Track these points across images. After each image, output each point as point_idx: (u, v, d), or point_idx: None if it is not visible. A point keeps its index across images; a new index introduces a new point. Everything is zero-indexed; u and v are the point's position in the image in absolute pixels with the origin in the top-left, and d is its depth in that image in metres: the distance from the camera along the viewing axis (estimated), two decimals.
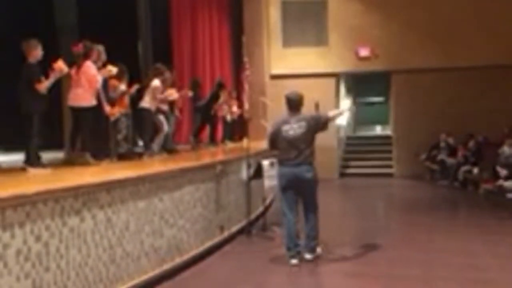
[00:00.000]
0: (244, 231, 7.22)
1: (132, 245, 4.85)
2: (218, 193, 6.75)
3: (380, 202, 11.20)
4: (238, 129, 11.88)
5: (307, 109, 6.07)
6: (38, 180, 4.78)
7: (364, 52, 14.54)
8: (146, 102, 7.59)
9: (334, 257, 6.01)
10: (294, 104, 5.84)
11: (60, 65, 5.60)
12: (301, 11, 14.79)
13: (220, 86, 10.61)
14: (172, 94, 8.23)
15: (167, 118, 8.14)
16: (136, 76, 8.57)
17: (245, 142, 7.71)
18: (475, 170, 11.41)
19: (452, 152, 12.84)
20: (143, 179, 5.09)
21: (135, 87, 7.44)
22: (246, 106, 8.19)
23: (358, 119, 21.07)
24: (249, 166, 7.39)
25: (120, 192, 4.71)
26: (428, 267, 5.55)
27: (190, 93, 9.58)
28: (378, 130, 21.48)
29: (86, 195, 4.27)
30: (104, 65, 6.60)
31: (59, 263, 3.96)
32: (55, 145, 7.84)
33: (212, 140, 10.49)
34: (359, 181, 14.21)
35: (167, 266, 5.39)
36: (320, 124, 5.85)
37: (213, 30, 13.16)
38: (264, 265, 5.82)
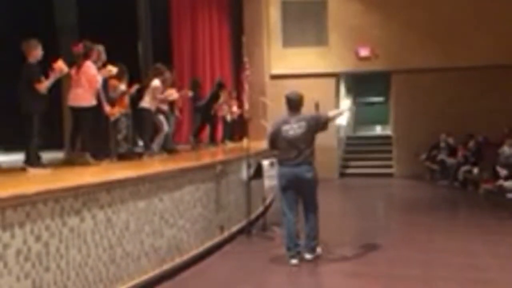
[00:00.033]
0: (244, 231, 7.21)
1: (132, 245, 4.85)
2: (218, 193, 6.75)
3: (380, 202, 11.20)
4: (238, 129, 11.88)
5: (307, 109, 6.07)
6: (38, 180, 4.78)
7: (364, 52, 14.53)
8: (146, 102, 7.59)
9: (334, 257, 6.01)
10: (294, 104, 5.84)
11: (60, 65, 5.60)
12: (301, 11, 14.79)
13: (220, 86, 10.61)
14: (172, 94, 8.23)
15: (167, 118, 8.14)
16: (136, 76, 8.57)
17: (245, 142, 7.71)
18: (475, 170, 11.41)
19: (452, 152, 12.84)
20: (143, 179, 5.09)
21: (135, 87, 7.44)
22: (246, 106, 8.19)
23: (358, 119, 21.07)
24: (249, 166, 7.39)
25: (120, 192, 4.71)
26: (428, 267, 5.55)
27: (190, 93, 9.59)
28: (378, 130, 21.48)
29: (86, 195, 4.27)
30: (104, 65, 6.60)
31: (59, 263, 3.96)
32: (55, 145, 7.85)
33: (212, 140, 10.49)
34: (359, 181, 14.20)
35: (167, 266, 5.39)
36: (320, 124, 5.85)
37: (213, 30, 13.16)
38: (264, 265, 5.82)
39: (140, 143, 8.21)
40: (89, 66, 6.25)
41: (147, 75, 8.30)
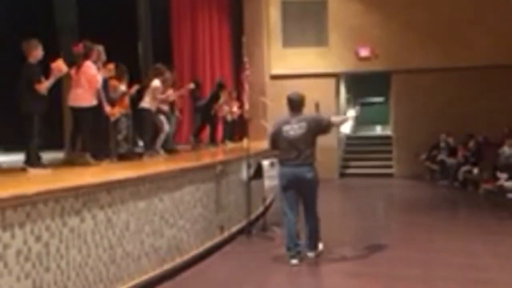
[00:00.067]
0: (244, 231, 7.21)
1: (132, 245, 4.85)
2: (218, 193, 6.75)
3: (380, 202, 11.20)
4: (238, 129, 11.88)
5: (307, 109, 6.07)
6: (39, 180, 4.78)
7: (364, 52, 14.54)
8: (146, 103, 7.60)
9: (334, 257, 6.01)
10: (296, 104, 5.85)
11: (59, 65, 5.57)
12: (301, 11, 14.79)
13: (221, 86, 10.62)
14: (171, 95, 8.23)
15: (168, 119, 8.14)
16: (136, 76, 8.57)
17: (245, 142, 7.71)
18: (475, 170, 11.41)
19: (452, 152, 12.84)
20: (143, 179, 5.09)
21: (135, 88, 7.43)
22: (246, 106, 8.19)
23: (358, 119, 21.04)
24: (249, 166, 7.39)
25: (120, 192, 4.71)
26: (428, 267, 5.55)
27: (192, 85, 9.54)
28: (378, 130, 21.51)
29: (86, 195, 4.27)
30: (104, 65, 6.60)
31: (59, 263, 3.97)
32: (55, 145, 7.85)
33: (212, 140, 10.49)
34: (359, 181, 14.21)
35: (167, 266, 5.39)
36: (321, 126, 5.84)
37: (213, 30, 13.17)
38: (264, 265, 5.82)
39: (140, 143, 8.22)
40: (89, 66, 6.25)
41: (147, 75, 8.31)
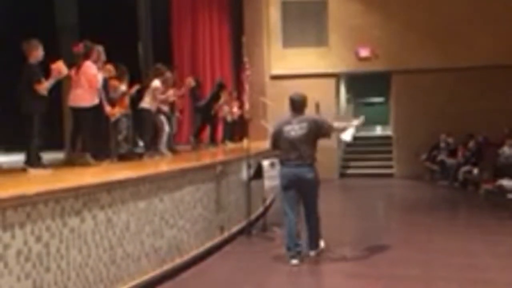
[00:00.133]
0: (244, 231, 7.21)
1: (132, 245, 4.85)
2: (218, 193, 6.75)
3: (380, 203, 11.20)
4: (238, 129, 11.88)
5: (307, 109, 6.07)
6: (39, 181, 4.78)
7: (364, 52, 14.54)
8: (146, 103, 7.60)
9: (335, 257, 6.00)
10: (298, 105, 5.85)
11: (59, 66, 5.56)
12: (301, 11, 14.79)
13: (221, 86, 10.62)
14: (171, 95, 8.22)
15: (168, 119, 8.14)
16: (137, 76, 8.58)
17: (245, 143, 7.71)
18: (475, 171, 11.41)
19: (452, 152, 12.84)
20: (143, 179, 5.09)
21: (135, 88, 7.43)
22: (247, 106, 8.19)
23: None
24: (249, 166, 7.39)
25: (121, 193, 4.71)
26: (428, 267, 5.55)
27: (192, 82, 9.52)
28: (378, 130, 21.48)
29: (86, 196, 4.27)
30: (104, 65, 6.60)
31: (59, 263, 3.97)
32: (56, 146, 7.84)
33: (212, 140, 10.50)
34: (359, 182, 14.20)
35: (167, 266, 5.39)
36: (322, 130, 5.83)
37: (213, 30, 13.18)
38: (264, 265, 5.82)
39: (141, 143, 8.22)
40: (89, 66, 6.25)
41: (148, 75, 8.31)
